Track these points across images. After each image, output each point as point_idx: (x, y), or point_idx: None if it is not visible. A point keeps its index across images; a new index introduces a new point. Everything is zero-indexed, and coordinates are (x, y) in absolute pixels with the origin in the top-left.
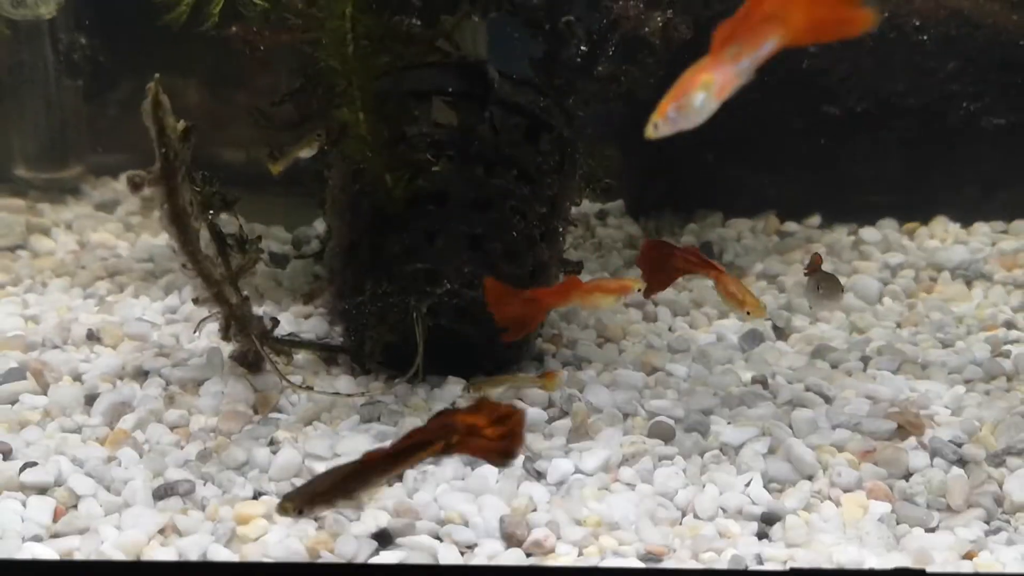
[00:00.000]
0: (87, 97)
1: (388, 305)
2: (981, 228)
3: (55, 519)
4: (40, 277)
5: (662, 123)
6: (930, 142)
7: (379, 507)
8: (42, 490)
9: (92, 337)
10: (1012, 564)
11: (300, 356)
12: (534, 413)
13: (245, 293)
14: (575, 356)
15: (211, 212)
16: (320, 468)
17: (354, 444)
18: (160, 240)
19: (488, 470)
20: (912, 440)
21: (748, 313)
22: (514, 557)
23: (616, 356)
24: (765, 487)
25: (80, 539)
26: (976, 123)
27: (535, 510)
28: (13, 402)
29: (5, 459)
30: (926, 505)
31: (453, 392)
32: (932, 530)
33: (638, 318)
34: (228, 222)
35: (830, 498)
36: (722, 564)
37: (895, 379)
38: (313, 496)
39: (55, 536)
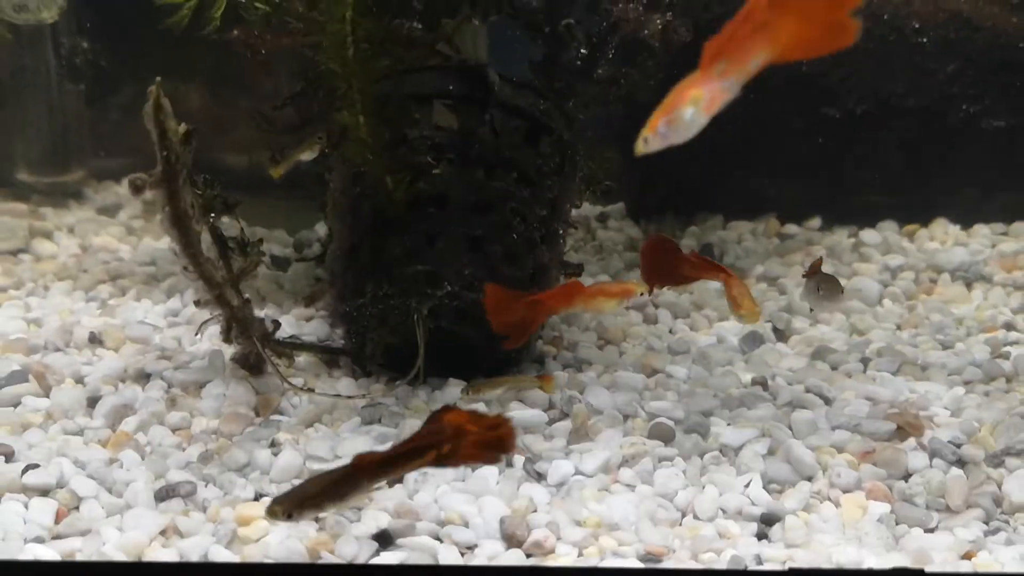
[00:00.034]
0: (89, 101)
1: (389, 307)
2: (981, 230)
3: (57, 521)
4: (42, 280)
5: (652, 138)
6: (930, 144)
7: (379, 508)
8: (44, 492)
9: (94, 340)
10: (1011, 564)
11: (301, 359)
12: (534, 415)
13: (246, 296)
14: (576, 358)
15: (212, 215)
16: (321, 470)
17: (355, 446)
18: (162, 244)
19: (488, 471)
20: (911, 441)
21: (741, 316)
22: (514, 558)
23: (616, 358)
24: (765, 488)
25: (82, 540)
26: (976, 125)
27: (535, 511)
28: (16, 404)
29: (7, 461)
30: (925, 506)
31: (454, 394)
32: (931, 530)
33: (639, 320)
34: (230, 225)
35: (829, 499)
36: (721, 565)
37: (895, 380)
38: (303, 500)
39: (57, 538)
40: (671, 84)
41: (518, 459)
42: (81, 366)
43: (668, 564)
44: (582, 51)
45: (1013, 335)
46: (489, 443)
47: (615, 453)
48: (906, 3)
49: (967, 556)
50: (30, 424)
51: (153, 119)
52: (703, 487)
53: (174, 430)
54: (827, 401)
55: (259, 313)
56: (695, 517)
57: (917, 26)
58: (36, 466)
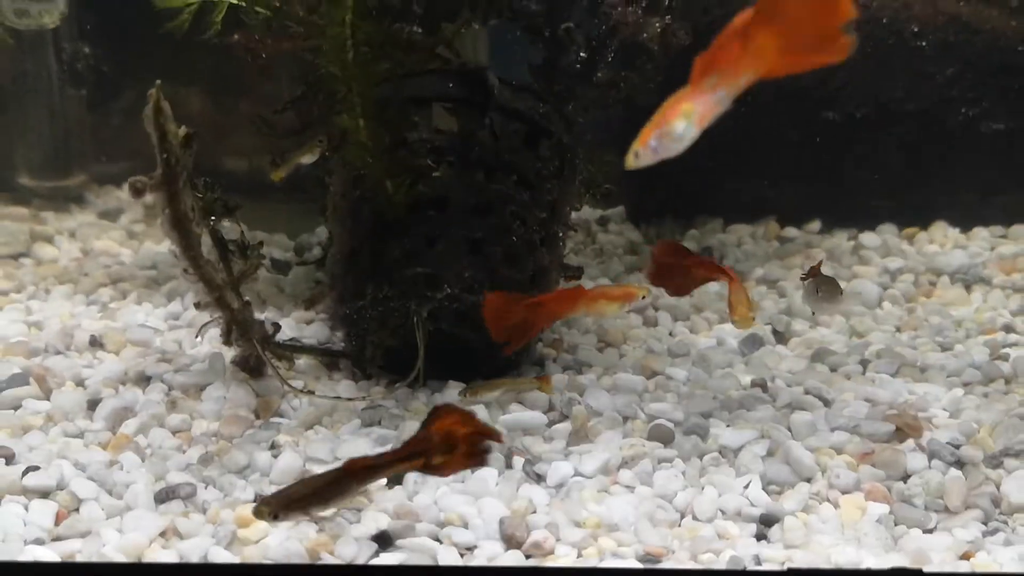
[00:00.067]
0: (90, 106)
1: (389, 310)
2: (980, 233)
3: (57, 522)
4: (43, 284)
5: (643, 152)
6: (929, 147)
7: (379, 509)
8: (44, 494)
9: (95, 343)
10: (1009, 564)
11: (302, 361)
12: (534, 416)
13: (247, 298)
14: (576, 360)
15: (213, 218)
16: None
17: (355, 448)
18: (163, 247)
19: (488, 473)
20: (910, 442)
21: (735, 321)
22: (513, 559)
23: (616, 360)
24: (764, 489)
25: (82, 542)
26: (975, 128)
27: (535, 512)
28: (16, 407)
29: (8, 463)
30: (924, 506)
31: (453, 396)
32: (930, 531)
33: (639, 323)
34: (230, 229)
35: (828, 500)
36: (721, 565)
37: (894, 382)
38: (289, 502)
39: (57, 539)
40: (670, 87)
41: (517, 461)
42: (82, 369)
43: (667, 565)
44: (581, 55)
45: (1012, 337)
46: (476, 449)
47: (614, 455)
48: (905, 7)
49: (965, 556)
50: (31, 427)
51: (153, 122)
52: (702, 488)
53: (174, 432)
54: (826, 403)
55: (259, 316)
56: (694, 518)
57: (916, 29)
58: (36, 468)
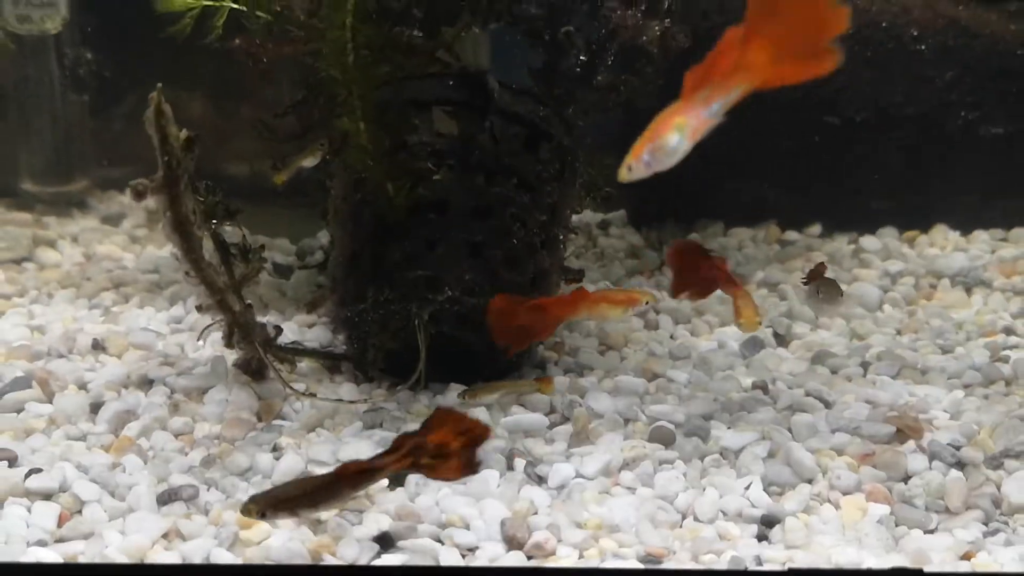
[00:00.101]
0: (93, 112)
1: (390, 312)
2: (980, 236)
3: (60, 524)
4: (46, 288)
5: (636, 165)
6: (929, 151)
7: (381, 511)
8: (47, 496)
9: (97, 347)
10: (1010, 565)
11: (303, 364)
12: (535, 418)
13: (248, 301)
14: (577, 363)
15: (214, 222)
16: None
17: (357, 450)
18: (165, 252)
19: (489, 474)
20: (911, 444)
21: (740, 324)
22: (515, 560)
23: (617, 363)
24: (765, 490)
25: (84, 544)
26: (975, 132)
27: (536, 513)
28: (19, 410)
29: (10, 466)
30: (925, 507)
31: (454, 399)
32: (931, 532)
33: (640, 326)
34: (232, 233)
35: (829, 501)
36: (722, 566)
37: (894, 384)
38: (278, 501)
39: (60, 541)
40: (670, 90)
41: (519, 462)
42: (84, 372)
43: (668, 565)
44: (581, 58)
45: (1012, 339)
46: (468, 460)
47: (616, 456)
48: (905, 11)
49: (966, 557)
50: (33, 429)
51: (155, 124)
52: (703, 489)
53: (176, 435)
54: (827, 405)
55: (261, 319)
56: (695, 519)
57: (915, 33)
58: (39, 470)
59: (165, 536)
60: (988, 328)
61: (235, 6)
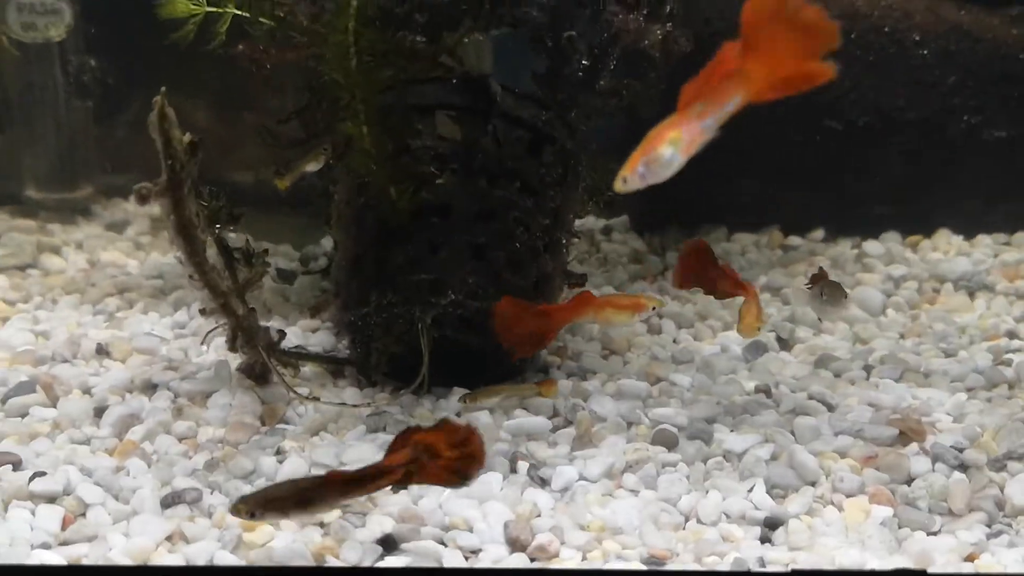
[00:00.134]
0: (97, 118)
1: (393, 316)
2: (983, 240)
3: (64, 527)
4: (50, 294)
5: (631, 177)
6: (932, 155)
7: (384, 513)
8: (51, 499)
9: (101, 351)
10: (1013, 567)
11: (307, 369)
12: (538, 422)
13: (252, 306)
14: (580, 368)
15: (218, 226)
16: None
17: (360, 453)
18: (169, 258)
19: (492, 477)
20: (914, 446)
21: (741, 329)
22: (518, 562)
23: (620, 367)
24: (768, 493)
25: (88, 546)
26: (977, 136)
27: (539, 516)
28: (23, 415)
29: (15, 470)
30: (928, 509)
31: (456, 403)
32: (934, 534)
33: (643, 331)
34: (236, 240)
35: (832, 503)
36: (725, 567)
37: (897, 387)
38: (267, 502)
39: (64, 544)
40: (672, 94)
41: (522, 465)
42: (88, 377)
43: (672, 567)
44: (584, 63)
45: (1016, 343)
46: (457, 466)
47: (619, 459)
48: (907, 16)
49: (970, 558)
50: (37, 433)
51: (158, 127)
52: (706, 492)
53: (180, 439)
54: (830, 408)
55: (264, 324)
56: (698, 521)
57: (918, 38)
58: (43, 474)
59: (169, 539)
60: (991, 332)
61: (238, 12)
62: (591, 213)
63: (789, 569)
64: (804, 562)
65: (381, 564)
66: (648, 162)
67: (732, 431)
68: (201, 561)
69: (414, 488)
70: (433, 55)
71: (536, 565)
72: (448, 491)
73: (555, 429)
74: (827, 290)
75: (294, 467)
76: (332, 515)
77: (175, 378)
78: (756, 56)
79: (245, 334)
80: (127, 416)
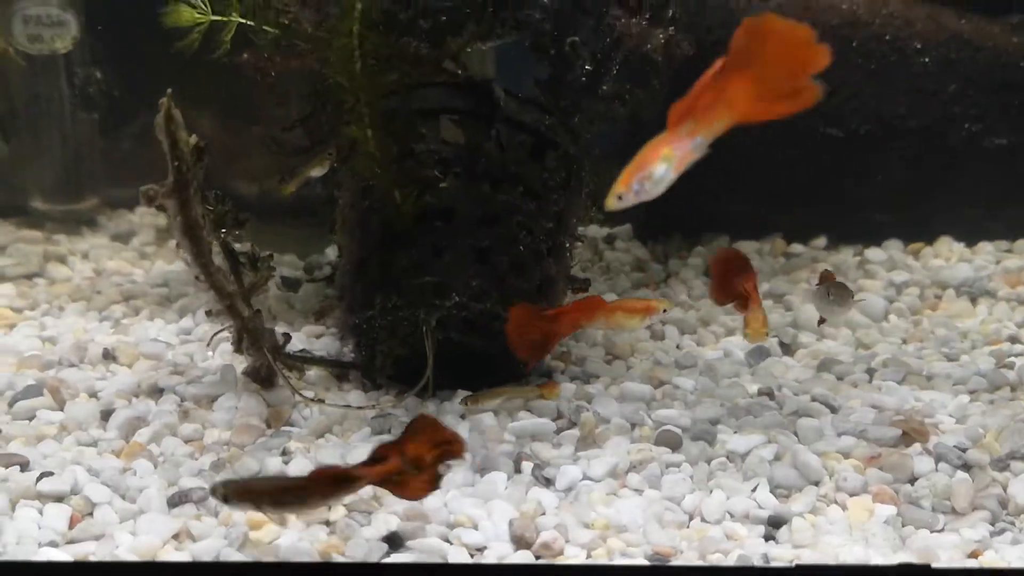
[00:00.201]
0: (102, 130)
1: (398, 319)
2: (985, 247)
3: (71, 526)
4: (57, 302)
5: (625, 194)
6: (933, 163)
7: (390, 511)
8: (58, 498)
9: (108, 356)
10: (1017, 563)
11: (312, 373)
12: (542, 423)
13: (257, 308)
14: (583, 372)
15: (223, 230)
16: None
17: (365, 455)
18: (175, 267)
19: (497, 476)
20: (917, 446)
21: (747, 335)
22: (523, 559)
23: (624, 372)
24: (772, 492)
25: (95, 544)
26: (978, 144)
27: (543, 514)
28: (30, 418)
29: (22, 471)
30: (931, 508)
31: (458, 405)
32: (937, 532)
33: (646, 336)
34: (242, 246)
35: (836, 502)
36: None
37: (900, 389)
38: (245, 491)
39: (71, 542)
40: (675, 99)
41: (526, 465)
42: (95, 381)
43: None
44: (586, 68)
45: (1018, 348)
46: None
47: (623, 459)
48: (908, 24)
49: (973, 555)
50: (44, 436)
51: (164, 129)
52: (710, 491)
53: (187, 441)
54: (833, 409)
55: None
56: (703, 520)
57: (919, 46)
58: (50, 474)
59: (175, 537)
60: (993, 337)
61: (243, 21)
62: (594, 222)
63: (793, 565)
64: (808, 559)
65: (387, 561)
66: (642, 179)
67: (735, 432)
68: (207, 559)
69: None
70: (437, 60)
71: (541, 562)
72: (453, 490)
73: (559, 430)
74: (834, 290)
75: (299, 468)
76: (338, 513)
77: (181, 382)
78: (744, 76)
79: (251, 336)
80: (134, 419)
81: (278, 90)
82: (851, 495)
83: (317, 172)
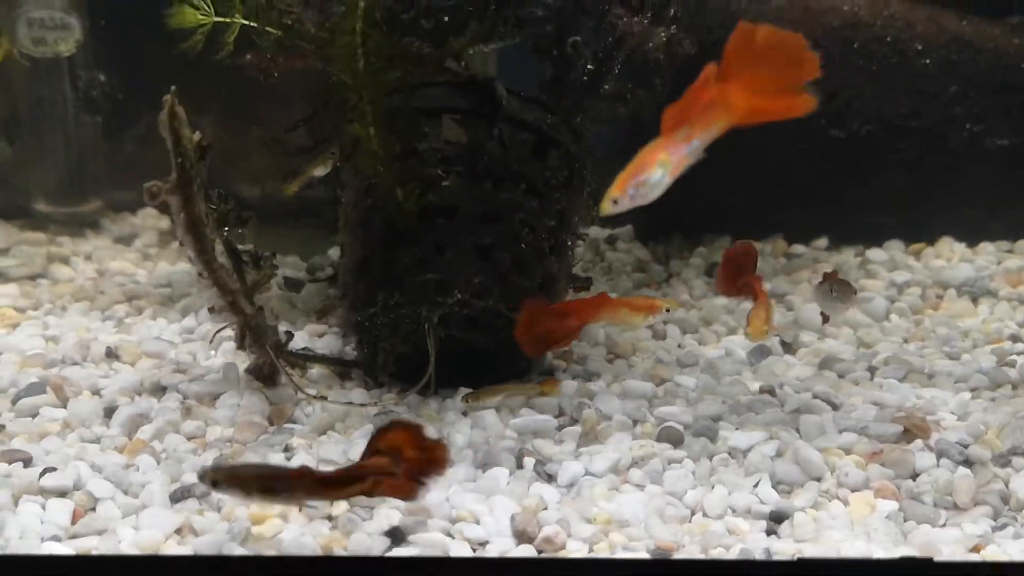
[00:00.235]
0: (106, 133)
1: (400, 316)
2: (986, 248)
3: (74, 521)
4: (60, 302)
5: (621, 199)
6: (934, 164)
7: (391, 506)
8: (61, 494)
9: (111, 355)
10: (1020, 557)
11: (314, 371)
12: (544, 420)
13: (259, 306)
14: (585, 371)
15: (226, 228)
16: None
17: None
18: (178, 267)
19: (499, 472)
20: (919, 442)
21: (748, 334)
22: (525, 553)
23: (625, 370)
24: (773, 487)
25: (98, 539)
26: (979, 145)
27: (545, 509)
28: (33, 415)
29: (25, 467)
30: (933, 503)
31: (460, 402)
32: (940, 527)
33: (647, 336)
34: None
35: (838, 497)
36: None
37: (901, 387)
38: (232, 477)
39: (74, 537)
40: (676, 99)
41: (528, 461)
42: (98, 379)
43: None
44: (588, 67)
45: (1019, 346)
46: (424, 471)
47: (624, 455)
48: (908, 26)
49: (975, 549)
50: (47, 432)
51: (167, 126)
52: (712, 487)
53: (189, 438)
54: (834, 406)
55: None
56: (704, 515)
57: (920, 48)
58: (53, 469)
59: (178, 531)
60: (994, 336)
61: (246, 22)
62: (595, 222)
63: (795, 558)
64: (810, 553)
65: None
66: (639, 184)
67: (737, 429)
68: (209, 553)
69: None
70: (439, 59)
71: (543, 556)
72: (455, 485)
73: (561, 427)
74: (837, 287)
75: (302, 463)
76: (340, 507)
77: (184, 380)
78: (738, 82)
79: (253, 333)
80: (136, 416)
81: (280, 92)
82: (853, 490)
83: (320, 171)
